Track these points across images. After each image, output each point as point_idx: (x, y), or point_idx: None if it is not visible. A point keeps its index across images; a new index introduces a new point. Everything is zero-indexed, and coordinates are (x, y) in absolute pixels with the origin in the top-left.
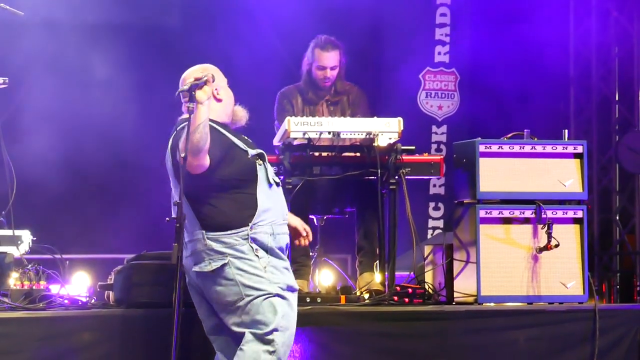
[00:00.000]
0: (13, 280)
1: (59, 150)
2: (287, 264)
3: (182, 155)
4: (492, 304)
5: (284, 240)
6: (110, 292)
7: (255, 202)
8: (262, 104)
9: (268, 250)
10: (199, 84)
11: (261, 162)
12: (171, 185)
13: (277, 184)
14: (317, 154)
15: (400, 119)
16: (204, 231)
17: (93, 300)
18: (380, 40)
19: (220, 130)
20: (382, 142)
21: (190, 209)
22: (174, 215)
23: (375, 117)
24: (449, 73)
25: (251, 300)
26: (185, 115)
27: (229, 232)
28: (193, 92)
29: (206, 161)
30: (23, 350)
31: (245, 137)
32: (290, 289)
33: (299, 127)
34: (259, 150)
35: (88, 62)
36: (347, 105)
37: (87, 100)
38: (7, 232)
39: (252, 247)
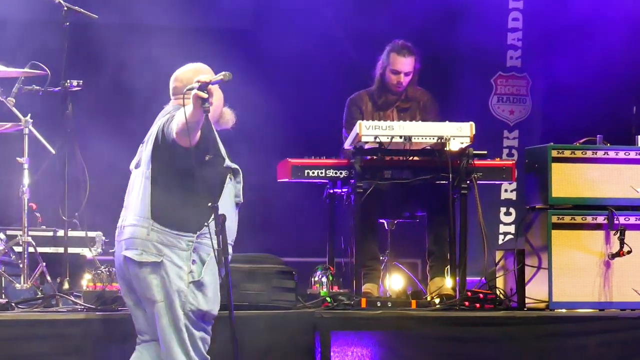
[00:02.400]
0: (86, 281)
1: (130, 151)
2: (216, 284)
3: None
4: (563, 310)
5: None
6: None
7: (210, 212)
8: (332, 108)
9: (204, 264)
10: (211, 83)
11: (232, 177)
12: (135, 165)
13: (237, 205)
14: (388, 158)
15: (472, 123)
16: (152, 221)
17: None
18: (452, 45)
19: (212, 126)
20: (453, 146)
21: (147, 192)
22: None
23: (446, 122)
24: (520, 78)
25: (160, 307)
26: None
27: (176, 232)
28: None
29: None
30: (95, 350)
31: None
32: (200, 315)
33: (371, 131)
34: (235, 166)
35: (160, 63)
36: (418, 112)
37: (159, 100)
38: (80, 234)
39: (191, 257)
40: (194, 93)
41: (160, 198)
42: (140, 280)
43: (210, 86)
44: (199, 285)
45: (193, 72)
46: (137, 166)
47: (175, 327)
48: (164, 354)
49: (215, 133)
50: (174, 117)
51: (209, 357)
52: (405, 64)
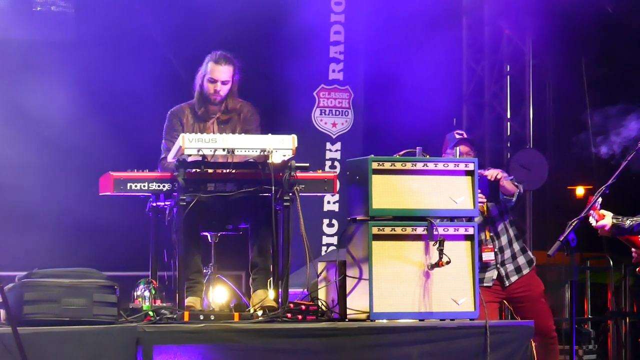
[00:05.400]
0: None
1: None
2: None
3: None
4: (384, 321)
5: None
6: (1, 310)
7: None
8: (156, 119)
9: None
10: None
11: None
12: None
13: None
14: (211, 170)
15: (294, 136)
16: None
17: None
18: (275, 58)
19: None
20: (276, 159)
21: None
22: None
23: (269, 134)
24: (343, 90)
25: None
26: None
27: None
28: None
29: None
30: None
31: None
32: None
33: (193, 143)
34: None
35: None
36: (238, 123)
37: None
38: None
39: None
40: None
41: None
42: None
43: None
44: None
45: None
46: None
47: None
48: None
49: None
50: None
51: None
52: (223, 72)
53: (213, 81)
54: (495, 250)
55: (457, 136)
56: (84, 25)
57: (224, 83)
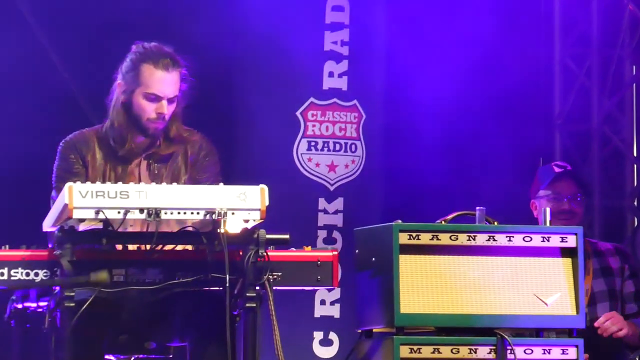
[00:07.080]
0: None
1: None
2: None
3: None
4: None
5: None
6: None
7: None
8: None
9: None
10: None
11: None
12: None
13: None
14: (119, 247)
15: (265, 187)
16: None
17: None
18: (235, 59)
19: None
20: (233, 226)
21: None
22: None
23: (221, 184)
24: (347, 108)
25: None
26: None
27: None
28: None
29: None
30: None
31: None
32: None
33: (89, 200)
34: None
35: None
36: (185, 165)
37: None
38: None
39: None
40: None
41: None
42: None
43: None
44: None
45: None
46: None
47: None
48: None
49: None
50: None
51: None
52: (169, 83)
53: (155, 99)
54: None
55: (557, 169)
56: None
57: (170, 101)
